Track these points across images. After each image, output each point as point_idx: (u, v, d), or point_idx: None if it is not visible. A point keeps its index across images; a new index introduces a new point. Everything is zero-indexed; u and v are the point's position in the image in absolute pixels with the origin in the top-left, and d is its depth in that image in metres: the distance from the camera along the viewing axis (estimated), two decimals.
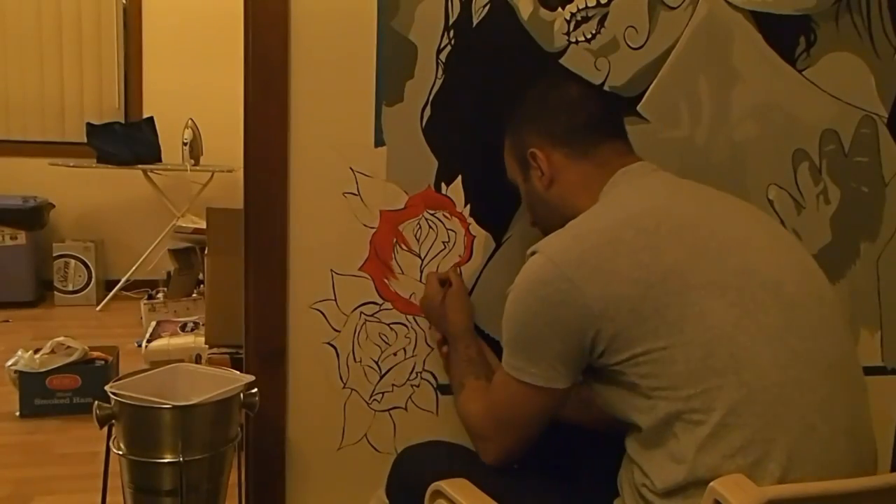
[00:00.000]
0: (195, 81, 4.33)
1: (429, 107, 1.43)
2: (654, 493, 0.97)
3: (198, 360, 2.47)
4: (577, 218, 1.10)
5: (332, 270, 1.45)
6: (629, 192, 1.12)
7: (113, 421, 1.28)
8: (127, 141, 4.01)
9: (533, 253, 1.07)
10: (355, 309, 1.47)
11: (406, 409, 1.51)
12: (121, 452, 1.27)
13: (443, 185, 1.46)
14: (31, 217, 4.16)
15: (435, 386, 1.51)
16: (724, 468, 0.92)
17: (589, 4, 1.45)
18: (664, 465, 0.97)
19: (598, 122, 1.20)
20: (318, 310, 1.45)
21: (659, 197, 1.11)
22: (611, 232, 1.03)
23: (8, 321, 3.85)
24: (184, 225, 3.94)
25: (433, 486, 1.14)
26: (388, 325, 1.48)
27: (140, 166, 4.02)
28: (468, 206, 1.48)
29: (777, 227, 1.13)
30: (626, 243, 1.00)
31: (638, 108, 1.50)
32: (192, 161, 4.00)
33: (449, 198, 1.47)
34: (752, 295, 0.97)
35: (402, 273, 1.47)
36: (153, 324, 3.09)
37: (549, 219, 1.21)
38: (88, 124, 4.02)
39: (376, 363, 1.49)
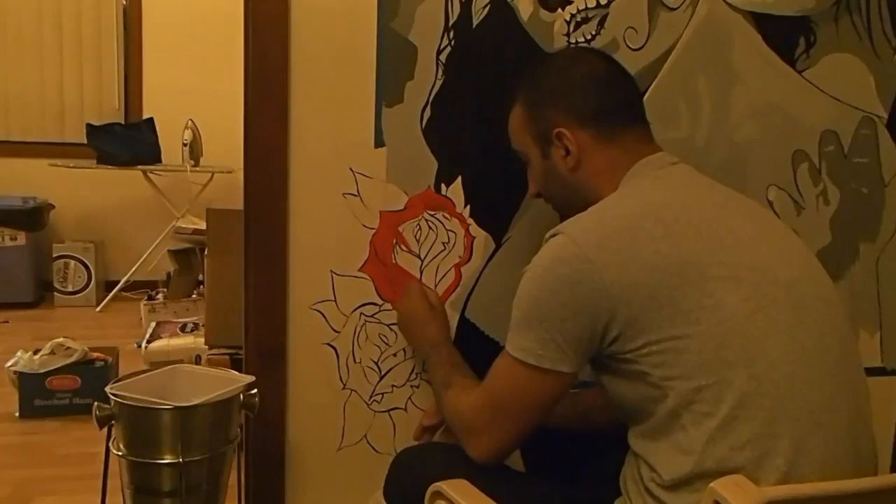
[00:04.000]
0: (195, 82, 4.32)
1: (429, 108, 1.43)
2: (660, 487, 0.98)
3: (198, 360, 2.47)
4: (599, 203, 1.09)
5: (332, 271, 1.45)
6: (650, 183, 1.12)
7: (112, 422, 1.28)
8: (127, 142, 4.01)
9: (554, 235, 1.06)
10: (355, 310, 1.47)
11: (406, 410, 1.51)
12: (120, 453, 1.27)
13: (443, 185, 1.46)
14: (31, 218, 4.15)
15: None
16: (731, 460, 0.93)
17: (589, 5, 1.45)
18: (671, 457, 0.97)
19: (627, 104, 1.19)
20: (318, 310, 1.45)
21: (679, 190, 1.11)
22: (632, 219, 1.03)
23: (7, 322, 3.85)
24: (184, 226, 3.94)
25: (433, 486, 1.14)
26: (388, 325, 1.48)
27: (140, 167, 4.02)
28: (468, 206, 1.48)
29: (785, 227, 1.14)
30: (647, 231, 1.01)
31: None
32: (192, 162, 4.00)
33: (449, 199, 1.47)
34: (766, 291, 0.98)
35: None
36: (153, 324, 3.09)
37: (565, 199, 1.21)
38: (88, 125, 4.02)
39: (376, 364, 1.49)
